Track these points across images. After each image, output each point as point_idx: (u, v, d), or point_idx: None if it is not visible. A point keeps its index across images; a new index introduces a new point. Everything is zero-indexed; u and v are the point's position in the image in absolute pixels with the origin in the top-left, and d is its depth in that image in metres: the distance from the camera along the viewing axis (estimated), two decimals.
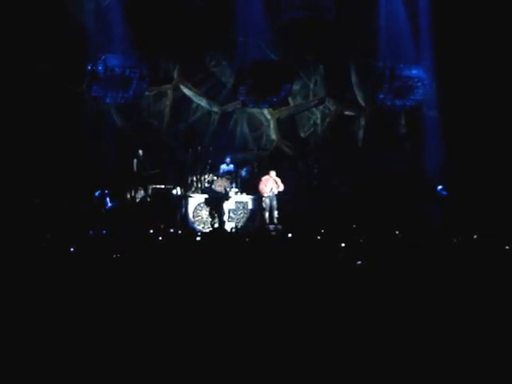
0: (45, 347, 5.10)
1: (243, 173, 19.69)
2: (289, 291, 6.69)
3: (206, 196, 18.76)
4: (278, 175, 18.66)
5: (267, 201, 18.64)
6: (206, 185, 19.13)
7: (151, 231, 15.61)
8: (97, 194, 18.19)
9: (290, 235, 14.52)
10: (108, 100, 19.13)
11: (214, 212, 18.70)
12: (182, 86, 21.36)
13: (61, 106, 19.14)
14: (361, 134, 21.50)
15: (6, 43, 18.39)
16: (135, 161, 18.81)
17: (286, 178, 18.91)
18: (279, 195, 18.66)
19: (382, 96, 19.93)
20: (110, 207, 18.18)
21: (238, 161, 19.91)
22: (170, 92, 21.36)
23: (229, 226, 18.38)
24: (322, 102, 21.71)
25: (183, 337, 5.36)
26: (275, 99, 20.12)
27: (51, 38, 18.65)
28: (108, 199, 18.25)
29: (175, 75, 21.19)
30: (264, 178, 18.70)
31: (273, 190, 18.55)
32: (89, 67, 18.48)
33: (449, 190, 18.42)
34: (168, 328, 5.55)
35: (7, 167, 18.28)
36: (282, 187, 18.57)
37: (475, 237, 13.53)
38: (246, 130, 21.28)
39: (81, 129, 19.50)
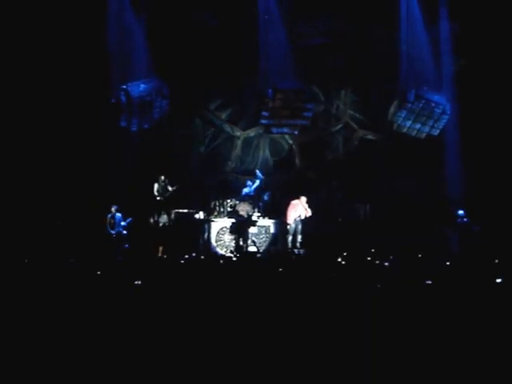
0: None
1: (265, 197, 19.71)
2: (312, 315, 6.75)
3: (232, 220, 18.82)
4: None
5: (293, 225, 18.56)
6: (229, 209, 19.24)
7: (174, 255, 15.72)
8: (109, 215, 18.25)
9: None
10: (134, 128, 19.25)
11: (238, 236, 18.69)
12: (205, 111, 21.59)
13: (85, 132, 19.43)
14: (381, 158, 21.39)
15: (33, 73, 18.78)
16: (156, 185, 18.96)
17: (308, 202, 18.86)
18: (305, 220, 18.61)
19: (402, 115, 19.66)
20: (126, 225, 18.25)
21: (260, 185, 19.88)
22: (193, 117, 21.60)
23: (251, 250, 18.41)
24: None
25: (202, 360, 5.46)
26: (298, 123, 20.18)
27: (75, 67, 19.00)
28: (121, 218, 18.26)
29: (199, 101, 21.42)
30: (294, 203, 18.55)
31: (300, 216, 18.52)
32: (112, 100, 18.70)
33: (469, 216, 18.26)
34: (189, 352, 5.65)
35: (31, 191, 18.67)
36: (310, 213, 18.46)
37: (496, 261, 13.47)
38: (268, 154, 21.37)
39: (104, 154, 19.76)
